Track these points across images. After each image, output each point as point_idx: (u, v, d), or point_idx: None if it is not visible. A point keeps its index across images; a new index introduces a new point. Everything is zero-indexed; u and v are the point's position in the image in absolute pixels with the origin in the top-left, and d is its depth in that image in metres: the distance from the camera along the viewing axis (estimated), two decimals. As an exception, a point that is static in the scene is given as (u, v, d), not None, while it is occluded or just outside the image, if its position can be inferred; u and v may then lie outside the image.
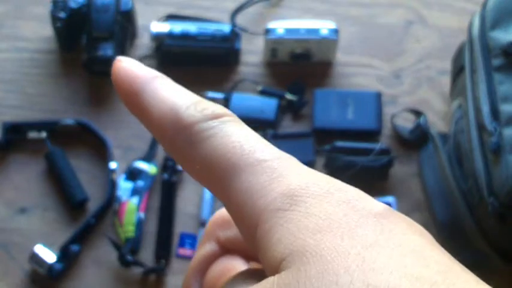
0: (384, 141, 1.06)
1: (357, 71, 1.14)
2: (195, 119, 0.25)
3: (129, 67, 0.27)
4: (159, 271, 0.99)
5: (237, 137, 0.25)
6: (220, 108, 0.26)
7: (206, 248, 0.29)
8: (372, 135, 1.07)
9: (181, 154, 0.26)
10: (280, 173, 0.24)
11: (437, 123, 1.09)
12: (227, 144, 0.25)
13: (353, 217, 0.22)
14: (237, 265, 0.28)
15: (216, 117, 0.25)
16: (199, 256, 0.29)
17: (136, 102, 0.26)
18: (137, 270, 0.99)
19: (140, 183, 1.03)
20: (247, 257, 0.28)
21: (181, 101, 0.26)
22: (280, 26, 1.09)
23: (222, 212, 0.29)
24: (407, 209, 1.04)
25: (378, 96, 1.09)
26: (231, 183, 0.24)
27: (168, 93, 0.26)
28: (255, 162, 0.24)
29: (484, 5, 0.95)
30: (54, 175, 1.05)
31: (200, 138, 0.25)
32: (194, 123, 0.25)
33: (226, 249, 0.29)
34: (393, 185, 1.05)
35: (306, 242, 0.21)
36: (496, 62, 0.90)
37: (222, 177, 0.24)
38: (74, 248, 0.99)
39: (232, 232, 0.28)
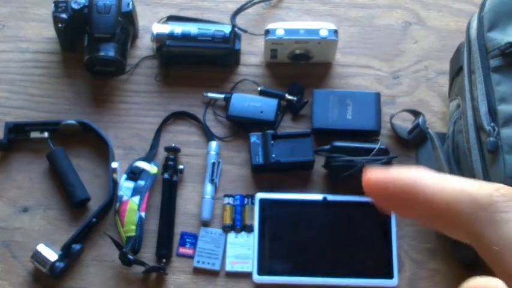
0: (383, 141, 1.06)
1: (356, 71, 1.15)
2: (493, 199, 0.25)
3: (390, 175, 0.27)
4: (160, 270, 0.99)
5: None
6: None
7: None
8: (370, 135, 1.08)
9: (476, 235, 0.25)
10: None
11: (435, 124, 1.10)
12: None
13: None
14: None
15: None
16: None
17: (417, 200, 0.26)
18: (138, 269, 0.99)
19: (141, 182, 1.03)
20: None
21: (470, 184, 0.25)
22: (280, 26, 1.09)
23: None
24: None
25: (377, 96, 1.09)
26: None
27: (450, 180, 0.26)
28: None
29: (482, 7, 0.96)
30: (56, 175, 1.06)
31: (500, 219, 0.24)
32: (493, 203, 0.24)
33: None
34: (392, 185, 1.06)
35: None
36: (494, 62, 0.91)
37: None
38: (76, 247, 0.99)
39: None
